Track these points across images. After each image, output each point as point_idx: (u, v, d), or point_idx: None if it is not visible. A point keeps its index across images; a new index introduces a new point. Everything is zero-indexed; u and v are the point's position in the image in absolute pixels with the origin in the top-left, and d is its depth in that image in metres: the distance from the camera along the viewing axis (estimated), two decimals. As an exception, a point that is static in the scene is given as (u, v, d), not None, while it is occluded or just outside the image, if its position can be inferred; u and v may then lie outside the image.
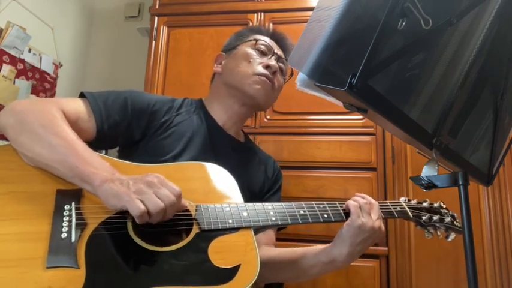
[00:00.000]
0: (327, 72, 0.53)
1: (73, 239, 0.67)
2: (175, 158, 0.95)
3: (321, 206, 0.90)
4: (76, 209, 0.72)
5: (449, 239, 0.98)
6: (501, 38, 0.73)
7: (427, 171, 0.71)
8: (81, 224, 0.70)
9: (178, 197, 0.72)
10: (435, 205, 1.03)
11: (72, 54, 2.52)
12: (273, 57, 1.10)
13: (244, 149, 1.15)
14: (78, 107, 0.90)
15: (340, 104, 0.58)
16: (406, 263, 1.57)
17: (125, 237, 0.71)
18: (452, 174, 0.71)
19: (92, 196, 0.74)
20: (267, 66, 1.07)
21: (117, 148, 1.02)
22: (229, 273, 0.71)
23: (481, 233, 1.55)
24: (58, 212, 0.71)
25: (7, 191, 0.71)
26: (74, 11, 2.55)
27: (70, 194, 0.74)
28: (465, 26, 0.66)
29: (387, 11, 0.51)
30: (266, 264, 0.95)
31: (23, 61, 2.06)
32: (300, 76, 0.55)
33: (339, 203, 0.92)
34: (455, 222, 1.00)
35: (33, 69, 2.13)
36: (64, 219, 0.70)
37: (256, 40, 1.12)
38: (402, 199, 1.01)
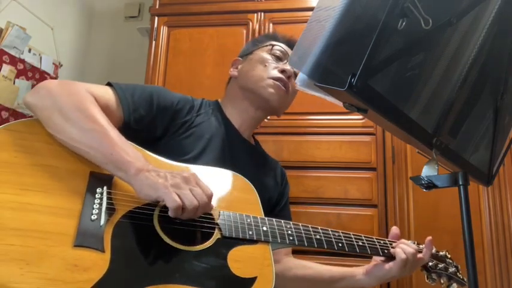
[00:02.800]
0: (327, 72, 0.53)
1: (102, 222, 0.68)
2: (195, 159, 0.96)
3: (336, 234, 0.91)
4: (108, 193, 0.73)
5: None
6: (501, 38, 0.73)
7: (427, 171, 0.71)
8: (111, 209, 0.71)
9: (210, 198, 0.73)
10: (441, 253, 1.06)
11: (72, 54, 2.52)
12: (288, 62, 1.11)
13: (257, 153, 1.17)
14: (107, 94, 0.89)
15: (340, 104, 0.58)
16: (406, 263, 1.57)
17: (150, 229, 0.72)
18: (452, 174, 0.71)
19: (123, 184, 0.75)
20: (282, 71, 1.09)
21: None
22: (246, 284, 0.72)
23: (481, 233, 1.55)
24: (90, 194, 0.72)
25: (41, 163, 0.72)
26: (74, 11, 2.55)
27: (103, 178, 0.75)
28: (465, 26, 0.66)
29: (387, 11, 0.51)
30: (295, 279, 1.07)
31: (23, 61, 2.06)
32: (300, 76, 0.55)
33: (353, 235, 0.94)
34: (458, 273, 1.03)
35: (33, 69, 2.13)
36: (95, 201, 0.71)
37: (272, 45, 1.13)
38: (410, 242, 1.03)
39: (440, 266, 1.00)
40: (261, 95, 1.08)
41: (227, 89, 1.20)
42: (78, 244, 0.64)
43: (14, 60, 2.00)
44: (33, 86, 2.11)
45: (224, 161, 1.00)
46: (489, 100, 0.77)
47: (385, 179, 1.67)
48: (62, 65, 2.35)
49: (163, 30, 2.03)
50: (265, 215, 0.94)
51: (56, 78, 2.29)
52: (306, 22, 0.56)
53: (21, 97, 2.04)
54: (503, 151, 0.84)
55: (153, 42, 2.01)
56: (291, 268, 1.08)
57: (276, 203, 1.15)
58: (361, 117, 1.70)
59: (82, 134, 0.75)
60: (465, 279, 1.03)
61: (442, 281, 1.01)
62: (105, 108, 0.84)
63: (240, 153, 1.08)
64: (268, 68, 1.09)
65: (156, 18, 2.05)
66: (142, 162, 0.74)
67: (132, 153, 0.75)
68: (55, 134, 0.76)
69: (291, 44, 1.17)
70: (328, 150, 1.72)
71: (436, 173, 0.70)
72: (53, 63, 2.27)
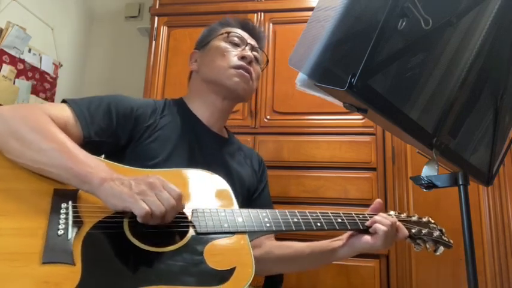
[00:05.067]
0: (327, 72, 0.53)
1: (69, 236, 0.67)
2: (164, 162, 0.95)
3: (314, 214, 0.91)
4: (73, 207, 0.72)
5: (438, 253, 1.02)
6: (501, 39, 0.73)
7: (427, 171, 0.71)
8: (78, 222, 0.70)
9: (179, 199, 0.72)
10: (424, 220, 1.06)
11: (72, 54, 2.52)
12: (246, 48, 1.10)
13: (229, 145, 1.15)
14: (63, 111, 0.88)
15: (340, 104, 0.58)
16: (406, 263, 1.57)
17: (121, 236, 0.71)
18: (452, 174, 0.71)
19: (88, 196, 0.74)
20: (242, 57, 1.07)
21: (102, 156, 1.00)
22: (225, 275, 0.71)
23: (481, 233, 1.55)
24: (55, 210, 0.71)
25: (2, 188, 0.71)
26: (74, 11, 2.55)
27: (67, 194, 0.74)
28: (465, 26, 0.66)
29: (387, 11, 0.51)
30: (276, 260, 1.07)
31: (23, 61, 2.06)
32: (300, 76, 0.55)
33: (331, 212, 0.94)
34: (443, 236, 1.03)
35: (33, 69, 2.13)
36: (61, 216, 0.70)
37: (228, 33, 1.11)
38: (392, 212, 1.04)
39: (424, 231, 1.00)
40: (226, 86, 1.06)
41: (190, 84, 1.18)
42: (47, 261, 0.63)
43: (14, 60, 2.00)
44: (33, 86, 2.11)
45: (195, 159, 1.00)
46: (489, 100, 0.77)
47: (385, 179, 1.67)
48: (62, 65, 2.35)
49: (163, 30, 2.03)
50: (245, 203, 0.93)
51: (56, 78, 2.29)
52: (306, 22, 0.56)
53: (21, 97, 2.04)
54: (503, 151, 0.84)
55: (153, 42, 2.01)
56: (272, 250, 1.08)
57: (254, 190, 1.15)
58: (361, 117, 1.70)
59: (41, 154, 0.74)
60: (451, 241, 1.03)
61: (428, 246, 1.01)
62: (63, 127, 0.84)
63: (211, 149, 1.07)
64: (228, 57, 1.07)
65: (156, 18, 2.05)
66: (105, 172, 0.73)
67: (93, 164, 0.74)
68: (14, 159, 0.75)
69: (245, 27, 1.15)
70: (328, 150, 1.72)
71: (436, 173, 0.70)
72: (53, 63, 2.27)
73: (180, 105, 1.11)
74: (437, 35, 0.61)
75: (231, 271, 0.72)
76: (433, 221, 1.07)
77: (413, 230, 1.00)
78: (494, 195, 1.58)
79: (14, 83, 2.00)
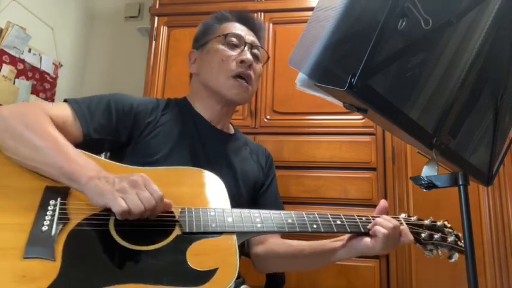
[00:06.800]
0: (327, 72, 0.53)
1: (53, 232, 0.69)
2: (165, 158, 0.95)
3: (311, 216, 0.89)
4: (61, 204, 0.74)
5: (452, 260, 0.94)
6: (501, 39, 0.73)
7: (427, 171, 0.71)
8: (64, 219, 0.72)
9: (159, 200, 0.72)
10: (438, 223, 0.98)
11: (72, 54, 2.52)
12: (245, 48, 1.08)
13: (234, 141, 1.15)
14: (63, 110, 0.90)
15: (340, 104, 0.58)
16: (406, 263, 1.58)
17: (104, 234, 0.72)
18: (452, 174, 0.71)
19: (79, 194, 0.75)
20: (241, 62, 1.05)
21: (102, 155, 1.00)
22: (205, 276, 0.71)
23: (481, 233, 1.55)
24: (43, 207, 0.72)
25: None
26: (74, 11, 2.55)
27: (58, 191, 0.76)
28: (465, 26, 0.66)
29: (387, 11, 0.51)
30: (277, 257, 1.06)
31: (23, 61, 2.06)
32: (300, 76, 0.55)
33: (330, 214, 0.91)
34: (459, 242, 0.95)
35: (33, 69, 2.13)
36: (47, 213, 0.72)
37: (225, 35, 1.09)
38: (402, 215, 0.99)
39: (436, 236, 0.93)
40: (225, 96, 1.06)
41: (191, 85, 1.17)
42: (28, 256, 0.64)
43: (14, 60, 2.00)
44: (33, 86, 2.11)
45: (196, 156, 1.00)
46: (489, 100, 0.77)
47: (385, 179, 1.67)
48: (62, 65, 2.35)
49: (163, 30, 2.03)
50: (252, 198, 0.91)
51: (56, 78, 2.29)
52: (306, 22, 0.56)
53: (21, 97, 2.04)
54: (503, 151, 0.84)
55: (153, 42, 2.01)
56: (273, 248, 1.08)
57: (261, 185, 1.14)
58: (361, 117, 1.70)
59: (35, 152, 0.76)
60: None
61: (440, 252, 0.94)
62: (62, 125, 0.85)
63: (214, 146, 1.07)
64: (227, 63, 1.05)
65: (156, 18, 2.05)
66: (94, 171, 0.74)
67: (83, 163, 0.75)
68: (11, 156, 0.77)
69: (243, 19, 1.13)
70: (328, 150, 1.72)
71: (436, 173, 0.69)
72: (53, 63, 2.27)
73: (183, 104, 1.11)
74: (437, 35, 0.61)
75: (212, 272, 0.71)
76: (449, 225, 0.99)
77: (422, 235, 0.93)
78: (494, 195, 1.58)
79: (14, 83, 2.00)
